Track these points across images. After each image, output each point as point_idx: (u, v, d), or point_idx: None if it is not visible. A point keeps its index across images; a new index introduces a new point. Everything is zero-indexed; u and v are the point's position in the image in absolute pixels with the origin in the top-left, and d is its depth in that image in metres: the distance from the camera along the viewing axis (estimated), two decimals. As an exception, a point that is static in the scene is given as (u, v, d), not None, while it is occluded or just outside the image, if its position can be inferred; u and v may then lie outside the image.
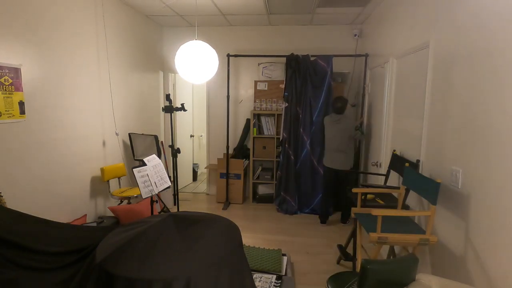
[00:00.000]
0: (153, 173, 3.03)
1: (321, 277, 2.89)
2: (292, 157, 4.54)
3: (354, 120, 4.12)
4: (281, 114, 4.69)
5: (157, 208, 4.18)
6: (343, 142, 3.97)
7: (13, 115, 2.50)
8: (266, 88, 4.95)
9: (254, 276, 2.80)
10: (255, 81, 4.98)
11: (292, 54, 4.47)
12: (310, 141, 4.52)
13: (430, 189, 2.06)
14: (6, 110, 2.43)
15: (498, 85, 1.64)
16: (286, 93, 4.55)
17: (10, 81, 2.46)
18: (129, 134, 4.06)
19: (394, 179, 3.13)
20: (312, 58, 4.48)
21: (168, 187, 3.17)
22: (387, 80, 3.43)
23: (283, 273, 2.85)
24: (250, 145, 4.94)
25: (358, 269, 2.38)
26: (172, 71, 5.29)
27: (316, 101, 4.47)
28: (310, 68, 4.45)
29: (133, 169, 2.88)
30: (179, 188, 5.62)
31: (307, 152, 4.54)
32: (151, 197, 3.08)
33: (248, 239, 3.66)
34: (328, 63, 4.40)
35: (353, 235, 2.95)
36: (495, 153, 1.66)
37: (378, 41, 3.95)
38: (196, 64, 3.10)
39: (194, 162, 6.42)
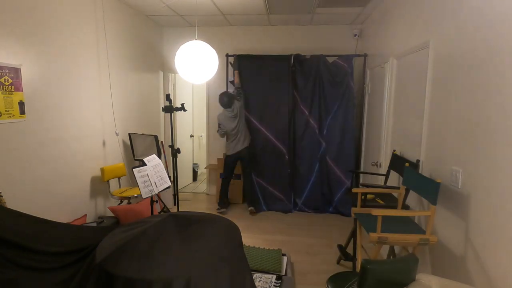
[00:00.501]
0: (153, 173, 3.03)
1: (321, 277, 2.89)
2: (287, 157, 4.61)
3: (237, 102, 4.38)
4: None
5: (157, 208, 4.18)
6: (243, 126, 4.42)
7: (13, 115, 2.50)
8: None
9: (254, 276, 2.79)
10: (255, 81, 4.97)
11: (291, 54, 4.49)
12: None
13: (430, 189, 2.06)
14: (6, 110, 2.43)
15: (498, 85, 1.64)
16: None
17: (10, 81, 2.46)
18: (129, 134, 4.06)
19: (394, 179, 3.13)
20: (331, 60, 4.49)
21: (168, 187, 3.18)
22: (387, 80, 3.43)
23: (283, 273, 2.85)
24: (250, 145, 4.94)
25: (358, 269, 2.39)
26: (172, 71, 5.29)
27: (332, 102, 4.50)
28: (324, 69, 4.47)
29: (133, 169, 2.88)
30: (179, 188, 5.62)
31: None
32: (151, 197, 3.08)
33: (248, 239, 3.66)
34: (349, 64, 4.40)
35: (353, 235, 2.95)
36: (495, 153, 1.66)
37: (378, 41, 3.95)
38: (196, 64, 3.10)
39: (194, 162, 6.42)
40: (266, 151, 4.69)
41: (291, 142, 4.62)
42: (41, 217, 2.11)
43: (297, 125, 4.62)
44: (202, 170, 6.64)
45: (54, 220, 2.21)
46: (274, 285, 2.66)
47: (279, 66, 4.54)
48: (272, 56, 4.57)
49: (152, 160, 3.11)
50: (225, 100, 4.28)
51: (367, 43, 4.51)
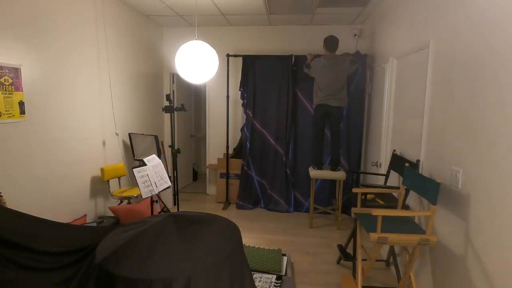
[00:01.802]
0: (153, 173, 3.03)
1: (321, 277, 2.89)
2: (284, 158, 4.63)
3: (347, 59, 3.79)
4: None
5: (157, 208, 4.18)
6: (339, 88, 3.75)
7: (13, 115, 2.50)
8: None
9: (254, 276, 2.80)
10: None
11: (291, 55, 4.49)
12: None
13: (430, 189, 2.06)
14: (6, 110, 2.43)
15: (498, 85, 1.64)
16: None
17: (10, 81, 2.46)
18: (129, 134, 4.06)
19: (394, 179, 3.13)
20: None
21: (168, 187, 3.18)
22: (387, 80, 3.43)
23: (283, 273, 2.85)
24: (250, 145, 4.94)
25: (358, 269, 2.39)
26: (172, 71, 5.30)
27: None
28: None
29: (133, 169, 2.88)
30: (179, 188, 5.62)
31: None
32: (151, 197, 3.08)
33: (248, 239, 3.66)
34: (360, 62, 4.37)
35: (353, 235, 2.95)
36: (495, 153, 1.66)
37: (378, 41, 3.96)
38: (196, 64, 3.10)
39: (194, 162, 6.42)
40: (265, 151, 4.70)
41: (293, 143, 4.63)
42: (41, 217, 2.11)
43: (299, 125, 4.62)
44: (202, 170, 6.65)
45: (54, 220, 2.21)
46: (274, 285, 2.66)
47: (280, 66, 4.54)
48: (273, 56, 4.57)
49: (152, 160, 3.11)
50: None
51: (367, 43, 4.51)
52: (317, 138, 4.10)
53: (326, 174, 3.98)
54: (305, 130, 4.62)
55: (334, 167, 4.02)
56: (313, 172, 4.00)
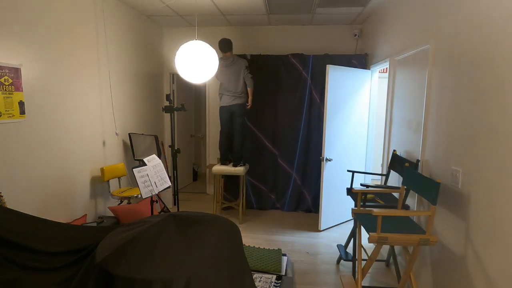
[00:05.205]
0: (153, 173, 3.03)
1: (321, 277, 2.89)
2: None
3: (243, 62, 4.09)
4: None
5: (157, 208, 4.18)
6: (238, 86, 4.06)
7: (13, 115, 2.50)
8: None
9: (254, 276, 2.80)
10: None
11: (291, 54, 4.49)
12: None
13: (430, 189, 2.06)
14: (6, 110, 2.43)
15: (498, 85, 1.64)
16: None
17: (10, 81, 2.46)
18: (129, 134, 4.06)
19: (394, 179, 3.13)
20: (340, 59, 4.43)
21: (168, 187, 3.18)
22: (387, 80, 3.43)
23: (283, 273, 2.86)
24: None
25: (358, 269, 2.39)
26: (172, 71, 5.30)
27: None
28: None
29: (133, 169, 2.88)
30: (179, 188, 5.62)
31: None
32: (151, 197, 3.08)
33: (248, 239, 3.66)
34: (360, 63, 4.37)
35: (353, 235, 2.95)
36: (495, 153, 1.66)
37: (378, 41, 3.95)
38: (196, 64, 3.10)
39: (194, 162, 6.42)
40: (262, 153, 4.70)
41: (292, 145, 4.64)
42: (41, 217, 2.11)
43: (303, 127, 4.62)
44: (202, 170, 6.64)
45: (54, 220, 2.22)
46: (274, 285, 2.66)
47: (280, 66, 4.54)
48: (272, 56, 4.57)
49: (152, 160, 3.11)
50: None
51: (367, 43, 4.51)
52: (223, 135, 4.30)
53: (226, 169, 4.12)
54: (308, 132, 4.62)
55: (236, 163, 4.21)
56: (215, 168, 4.16)
